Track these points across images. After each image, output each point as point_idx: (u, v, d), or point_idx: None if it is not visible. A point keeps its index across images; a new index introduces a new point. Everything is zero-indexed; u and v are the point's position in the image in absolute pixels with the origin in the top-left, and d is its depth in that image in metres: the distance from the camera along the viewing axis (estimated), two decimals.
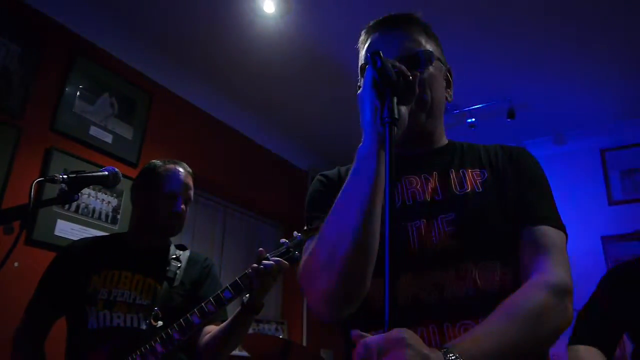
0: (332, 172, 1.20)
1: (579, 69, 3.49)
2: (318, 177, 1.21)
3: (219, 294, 1.65)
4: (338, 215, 0.92)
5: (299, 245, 1.64)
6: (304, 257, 1.02)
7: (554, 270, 0.93)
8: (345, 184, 0.93)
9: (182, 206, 1.88)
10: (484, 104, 3.88)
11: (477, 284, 0.96)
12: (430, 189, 1.07)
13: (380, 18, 1.16)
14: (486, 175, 1.08)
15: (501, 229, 1.00)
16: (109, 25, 3.10)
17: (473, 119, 3.99)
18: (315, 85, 3.78)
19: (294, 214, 4.26)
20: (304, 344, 4.39)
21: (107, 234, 2.83)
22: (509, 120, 3.87)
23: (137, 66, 3.31)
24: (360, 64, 1.17)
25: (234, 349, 1.79)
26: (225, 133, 4.04)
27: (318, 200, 1.14)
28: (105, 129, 3.03)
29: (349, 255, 0.87)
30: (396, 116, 0.84)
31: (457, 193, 1.06)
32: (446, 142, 1.20)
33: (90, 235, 2.75)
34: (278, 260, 1.61)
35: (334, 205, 0.93)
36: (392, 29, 1.12)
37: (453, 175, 1.09)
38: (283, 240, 1.69)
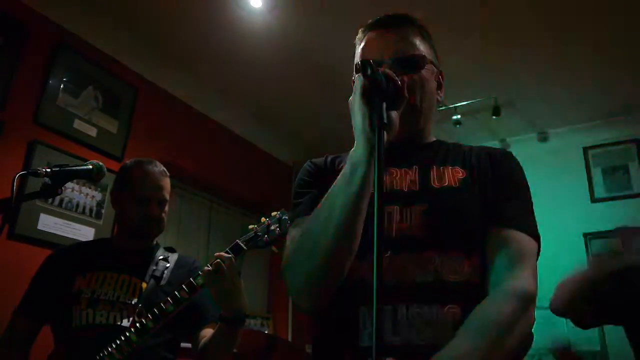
0: (320, 160, 1.23)
1: (563, 68, 3.52)
2: (306, 165, 1.24)
3: (191, 280, 1.65)
4: (325, 213, 0.96)
5: (266, 231, 1.71)
6: (288, 247, 1.07)
7: (524, 281, 0.97)
8: (334, 185, 0.98)
9: (156, 209, 1.86)
10: (469, 101, 3.91)
11: (438, 273, 0.99)
12: (408, 181, 1.10)
13: (378, 17, 1.17)
14: (466, 174, 1.11)
15: (470, 226, 1.04)
16: (93, 18, 3.06)
17: (459, 116, 4.01)
18: (301, 80, 3.77)
19: (278, 207, 4.25)
20: (290, 339, 4.40)
21: (91, 228, 2.84)
22: (494, 117, 3.91)
23: (122, 60, 3.28)
24: (355, 62, 1.19)
25: (227, 356, 1.79)
26: (211, 127, 4.02)
27: (303, 188, 1.18)
28: (89, 122, 3.00)
29: (332, 250, 0.94)
30: (385, 121, 0.85)
31: (434, 186, 1.09)
32: (433, 139, 1.23)
33: (74, 229, 2.75)
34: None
35: (322, 201, 0.99)
36: (389, 29, 1.14)
37: (434, 170, 1.12)
38: (251, 226, 1.73)
